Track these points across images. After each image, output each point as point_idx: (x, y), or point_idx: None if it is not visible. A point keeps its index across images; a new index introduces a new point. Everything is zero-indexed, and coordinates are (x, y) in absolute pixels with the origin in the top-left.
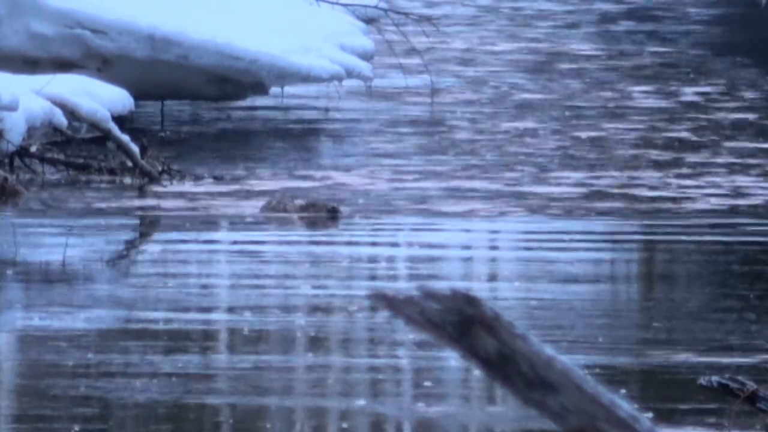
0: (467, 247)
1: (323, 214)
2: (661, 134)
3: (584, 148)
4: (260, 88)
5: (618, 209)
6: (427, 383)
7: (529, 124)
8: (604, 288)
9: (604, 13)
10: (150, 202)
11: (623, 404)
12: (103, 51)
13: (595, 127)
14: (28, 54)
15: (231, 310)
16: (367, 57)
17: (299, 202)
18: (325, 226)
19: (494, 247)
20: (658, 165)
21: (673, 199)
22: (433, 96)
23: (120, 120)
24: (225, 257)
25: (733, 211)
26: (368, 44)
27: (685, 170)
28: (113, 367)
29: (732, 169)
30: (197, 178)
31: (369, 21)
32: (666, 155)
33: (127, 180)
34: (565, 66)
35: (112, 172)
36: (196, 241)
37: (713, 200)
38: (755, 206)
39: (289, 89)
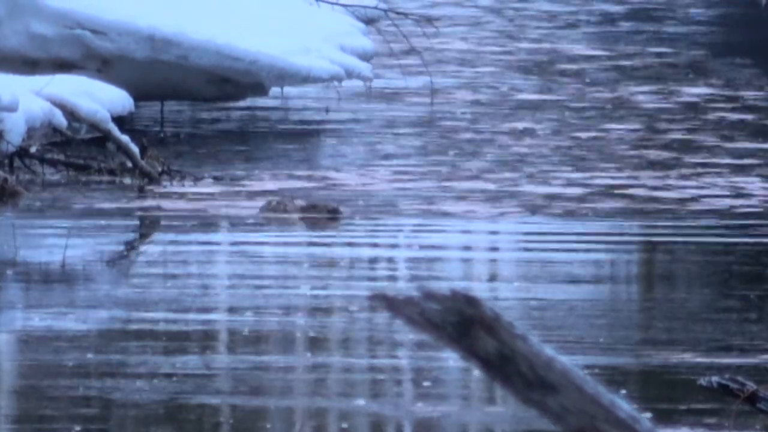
0: (467, 248)
1: (323, 214)
2: (661, 134)
3: (584, 148)
4: (260, 89)
5: (618, 209)
6: (426, 383)
7: (529, 124)
8: (604, 288)
9: (604, 14)
10: (150, 202)
11: (623, 405)
12: (102, 52)
13: (595, 128)
14: (28, 55)
15: (231, 310)
16: (366, 57)
17: (299, 202)
18: (325, 227)
19: (494, 248)
20: (658, 165)
21: (673, 200)
22: (432, 96)
23: (120, 120)
24: (225, 258)
25: (733, 211)
26: (368, 45)
27: (685, 170)
28: (113, 368)
29: (732, 169)
30: (197, 179)
31: (369, 21)
32: (666, 155)
33: (127, 180)
34: (565, 66)
35: (111, 172)
36: (196, 242)
37: (713, 200)
38: (755, 206)
39: (289, 90)
